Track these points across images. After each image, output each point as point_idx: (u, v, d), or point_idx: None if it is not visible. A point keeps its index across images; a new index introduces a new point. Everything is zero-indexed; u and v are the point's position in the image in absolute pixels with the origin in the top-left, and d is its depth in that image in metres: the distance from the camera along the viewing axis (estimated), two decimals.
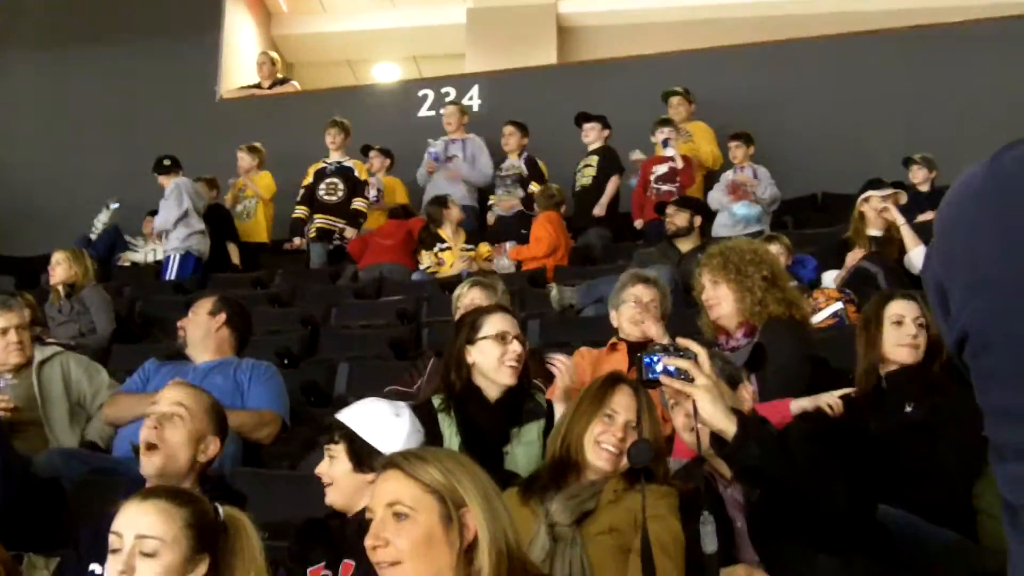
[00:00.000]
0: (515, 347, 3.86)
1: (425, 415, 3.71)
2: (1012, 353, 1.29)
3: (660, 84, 10.55)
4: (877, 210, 6.58)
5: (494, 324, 3.92)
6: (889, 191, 6.72)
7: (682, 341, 2.69)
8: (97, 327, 7.40)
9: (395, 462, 2.38)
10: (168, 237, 9.59)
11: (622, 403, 3.22)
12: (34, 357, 5.15)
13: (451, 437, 3.79)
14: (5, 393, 4.93)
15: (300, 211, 10.25)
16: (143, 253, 10.43)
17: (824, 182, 9.47)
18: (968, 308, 1.33)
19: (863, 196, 6.70)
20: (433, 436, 3.66)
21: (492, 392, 3.87)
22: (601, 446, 3.16)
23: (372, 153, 10.67)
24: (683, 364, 2.62)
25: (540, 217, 8.85)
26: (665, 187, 9.20)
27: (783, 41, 11.65)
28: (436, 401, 3.89)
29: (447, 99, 11.96)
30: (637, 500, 2.88)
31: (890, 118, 10.61)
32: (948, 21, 11.39)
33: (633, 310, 4.92)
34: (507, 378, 3.84)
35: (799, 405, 3.86)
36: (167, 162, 9.97)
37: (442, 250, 8.85)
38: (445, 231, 8.93)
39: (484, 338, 3.89)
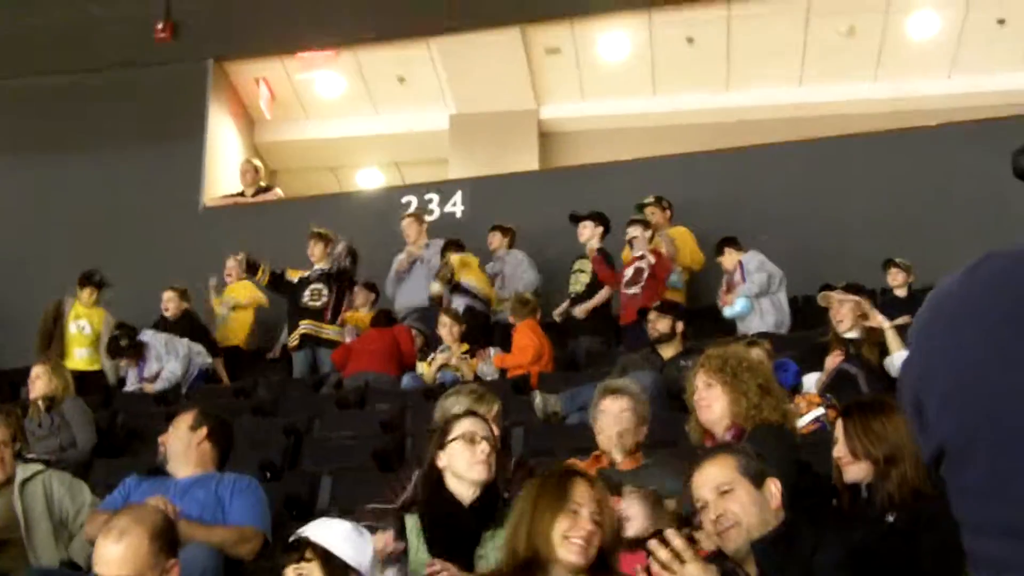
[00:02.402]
0: (484, 447, 3.95)
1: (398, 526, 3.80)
2: (987, 468, 1.28)
3: (640, 188, 10.65)
4: (858, 311, 6.66)
5: (462, 426, 4.03)
6: (840, 293, 6.89)
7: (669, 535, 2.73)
8: (78, 441, 7.33)
9: None
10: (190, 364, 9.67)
11: (583, 495, 3.22)
12: (15, 475, 5.10)
13: (418, 544, 3.84)
14: None
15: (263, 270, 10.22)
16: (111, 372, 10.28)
17: (803, 285, 9.50)
18: (945, 421, 1.32)
19: (820, 297, 6.89)
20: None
21: (466, 495, 3.93)
22: (571, 541, 3.14)
23: (356, 288, 10.51)
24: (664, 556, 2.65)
25: (521, 326, 8.83)
26: (630, 290, 9.21)
27: (760, 145, 11.81)
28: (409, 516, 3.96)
29: (430, 205, 12.08)
30: None
31: (867, 221, 10.73)
32: (924, 124, 11.58)
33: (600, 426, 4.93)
34: (479, 474, 3.91)
35: None
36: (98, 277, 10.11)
37: (431, 360, 8.89)
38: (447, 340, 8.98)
39: (452, 440, 3.99)
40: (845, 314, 6.71)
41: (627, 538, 3.69)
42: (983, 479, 1.28)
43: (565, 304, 9.89)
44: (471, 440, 3.96)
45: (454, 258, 9.96)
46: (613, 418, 4.87)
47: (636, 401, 4.96)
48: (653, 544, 2.69)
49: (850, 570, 3.09)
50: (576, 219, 9.91)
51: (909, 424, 1.43)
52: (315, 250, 10.22)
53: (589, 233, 9.80)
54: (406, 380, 8.93)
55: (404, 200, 12.42)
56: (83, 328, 9.89)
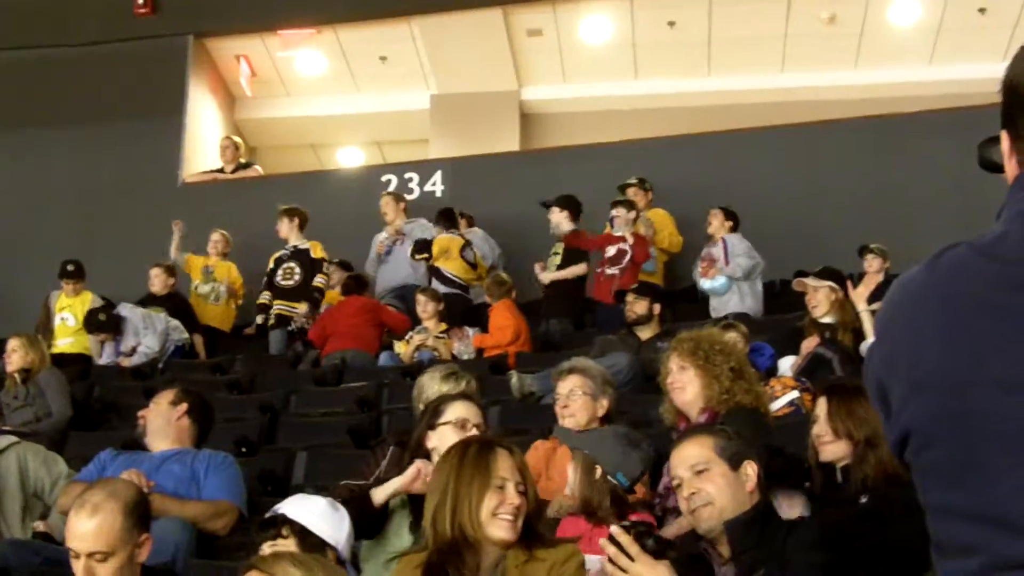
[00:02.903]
0: (473, 434, 3.92)
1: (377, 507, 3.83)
2: (952, 453, 1.30)
3: (621, 170, 10.66)
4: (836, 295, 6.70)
5: (455, 411, 4.05)
6: (814, 279, 6.91)
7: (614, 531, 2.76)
8: (53, 409, 7.31)
9: (252, 563, 2.38)
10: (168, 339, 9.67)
11: (507, 468, 3.17)
12: None
13: (401, 522, 3.90)
14: None
15: (264, 296, 10.25)
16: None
17: (781, 270, 9.52)
18: (909, 407, 1.35)
19: (795, 283, 6.91)
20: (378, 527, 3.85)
21: None
22: (500, 517, 3.08)
23: (331, 268, 10.44)
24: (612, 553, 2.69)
25: (498, 305, 8.83)
26: (609, 270, 9.25)
27: (740, 130, 11.82)
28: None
29: (410, 184, 12.05)
30: (540, 568, 2.99)
31: (846, 206, 10.76)
32: (903, 111, 11.61)
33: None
34: None
35: None
36: (71, 267, 10.06)
37: (408, 339, 8.88)
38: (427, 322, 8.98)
39: (444, 423, 4.01)
40: (820, 299, 6.74)
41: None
42: (948, 466, 1.31)
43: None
44: (461, 426, 3.98)
45: (437, 242, 9.93)
46: (563, 399, 4.92)
47: (586, 377, 4.96)
48: (603, 542, 2.72)
49: (822, 551, 3.12)
50: (546, 205, 9.96)
51: (874, 408, 1.45)
52: (282, 227, 10.23)
53: (556, 219, 9.84)
54: (383, 358, 8.95)
55: (384, 179, 12.36)
56: (67, 320, 9.95)
